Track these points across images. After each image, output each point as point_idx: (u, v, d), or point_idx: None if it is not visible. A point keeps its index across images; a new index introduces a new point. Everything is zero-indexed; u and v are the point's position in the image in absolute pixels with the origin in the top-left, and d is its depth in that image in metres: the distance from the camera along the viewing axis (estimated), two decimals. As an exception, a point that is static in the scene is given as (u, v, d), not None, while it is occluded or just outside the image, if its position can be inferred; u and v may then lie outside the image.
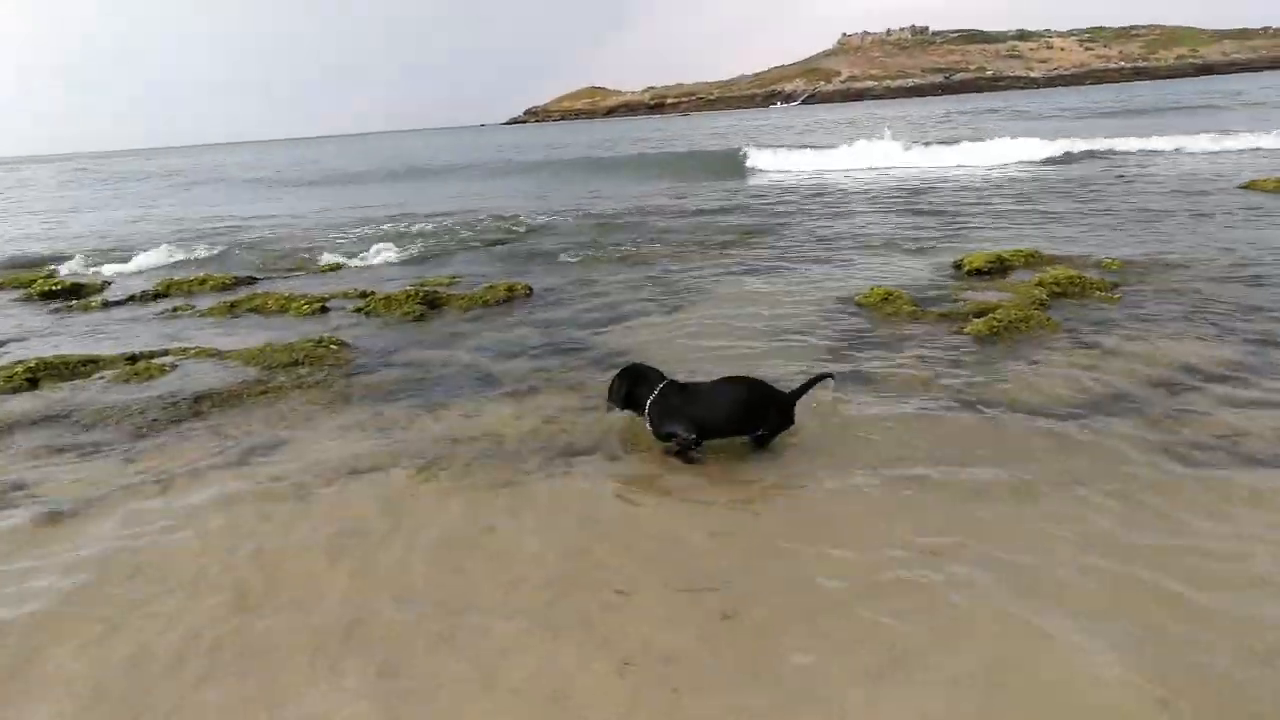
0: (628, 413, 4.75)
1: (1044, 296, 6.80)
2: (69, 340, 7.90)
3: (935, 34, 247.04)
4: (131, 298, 9.82)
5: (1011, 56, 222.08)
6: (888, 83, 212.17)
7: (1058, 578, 3.18)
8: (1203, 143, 19.05)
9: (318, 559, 3.66)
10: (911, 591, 3.15)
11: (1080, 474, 3.97)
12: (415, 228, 15.19)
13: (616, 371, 4.81)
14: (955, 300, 7.08)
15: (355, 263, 11.51)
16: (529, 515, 3.95)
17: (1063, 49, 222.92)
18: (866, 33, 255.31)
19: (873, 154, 22.80)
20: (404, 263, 11.52)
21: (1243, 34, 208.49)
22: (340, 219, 17.98)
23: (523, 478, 4.36)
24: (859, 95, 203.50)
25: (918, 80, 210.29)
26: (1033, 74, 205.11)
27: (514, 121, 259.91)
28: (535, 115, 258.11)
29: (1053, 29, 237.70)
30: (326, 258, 11.74)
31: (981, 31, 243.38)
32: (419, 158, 48.24)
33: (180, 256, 12.96)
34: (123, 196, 32.14)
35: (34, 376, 6.27)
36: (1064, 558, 3.31)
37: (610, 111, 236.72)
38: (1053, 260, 8.15)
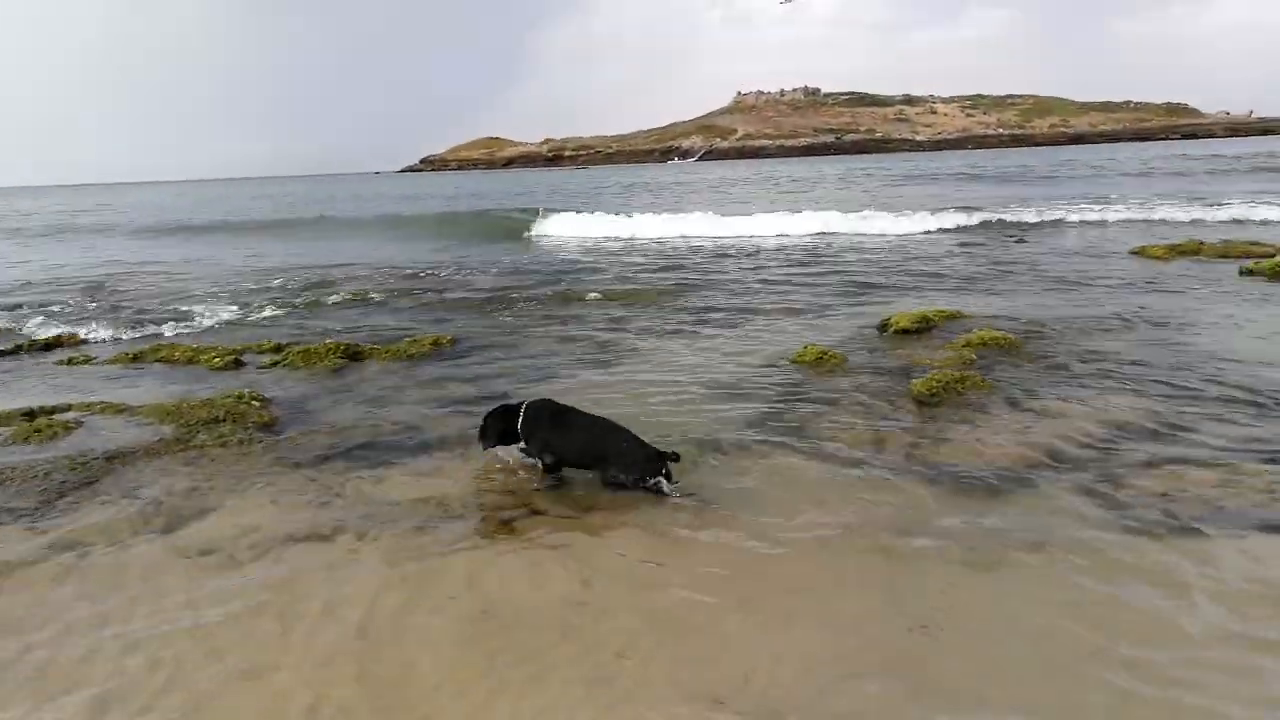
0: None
1: (973, 356, 6.99)
2: None
3: (827, 95, 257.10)
4: (19, 347, 9.16)
5: (899, 120, 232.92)
6: (781, 141, 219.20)
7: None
8: (1091, 212, 20.10)
9: (264, 641, 3.42)
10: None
11: (1029, 534, 4.04)
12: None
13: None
14: (887, 359, 7.21)
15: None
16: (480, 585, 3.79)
17: (946, 114, 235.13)
18: (761, 92, 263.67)
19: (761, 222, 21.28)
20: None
21: (1107, 106, 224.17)
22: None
23: (470, 545, 4.19)
24: (754, 153, 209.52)
25: (810, 140, 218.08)
26: (918, 137, 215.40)
27: (409, 169, 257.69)
28: (431, 164, 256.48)
29: (936, 95, 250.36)
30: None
31: (870, 95, 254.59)
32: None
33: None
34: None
35: None
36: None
37: (509, 163, 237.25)
38: (971, 319, 8.41)
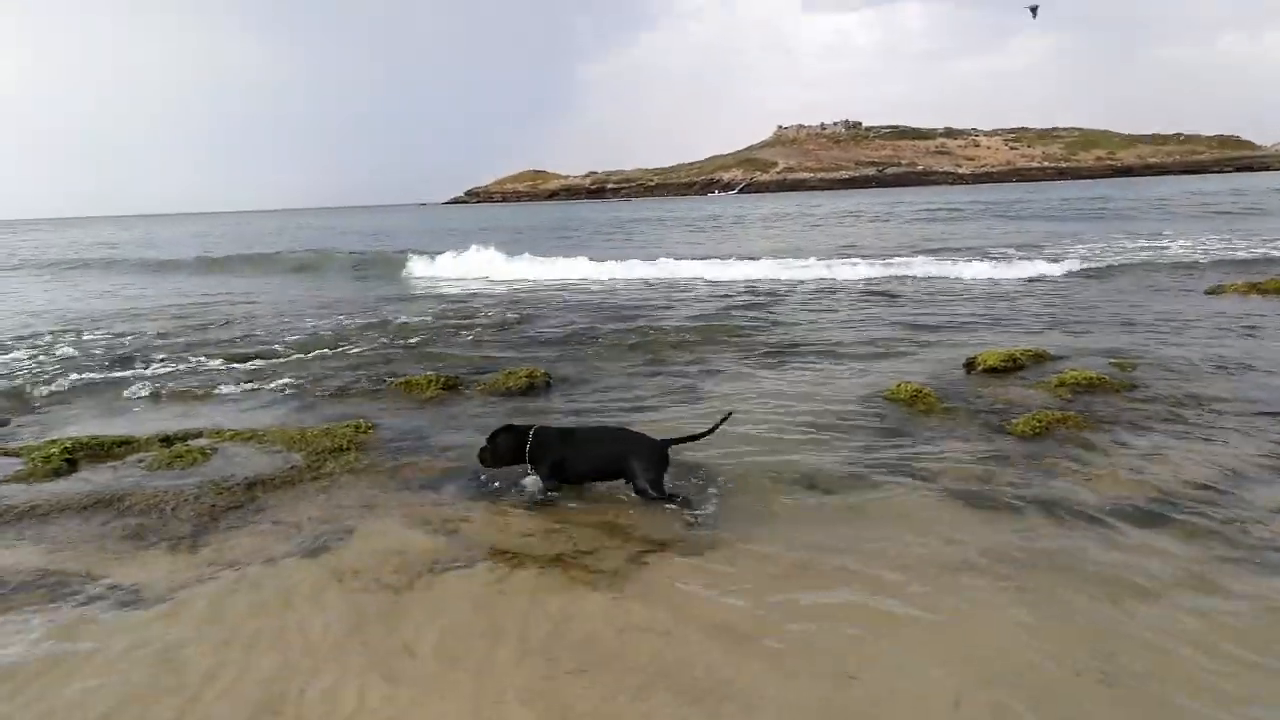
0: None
1: (1068, 396, 7.12)
2: (85, 416, 7.75)
3: (868, 129, 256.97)
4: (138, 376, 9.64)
5: (940, 153, 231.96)
6: (822, 174, 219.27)
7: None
8: (1156, 247, 19.88)
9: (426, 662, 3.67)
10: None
11: (1170, 570, 4.18)
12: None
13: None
14: (980, 398, 7.37)
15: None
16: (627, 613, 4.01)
17: (989, 147, 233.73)
18: (802, 126, 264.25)
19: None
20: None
21: (1155, 139, 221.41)
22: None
23: (606, 576, 4.41)
24: (795, 186, 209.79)
25: (851, 173, 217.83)
26: (961, 170, 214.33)
27: (455, 201, 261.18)
28: (476, 196, 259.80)
29: (979, 128, 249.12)
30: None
31: (912, 128, 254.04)
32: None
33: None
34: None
35: (72, 458, 6.15)
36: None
37: (552, 195, 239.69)
38: (1058, 359, 8.52)
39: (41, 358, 10.80)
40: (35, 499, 5.48)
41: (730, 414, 5.80)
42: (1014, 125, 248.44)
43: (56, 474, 5.93)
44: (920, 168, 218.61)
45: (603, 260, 21.82)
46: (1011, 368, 8.13)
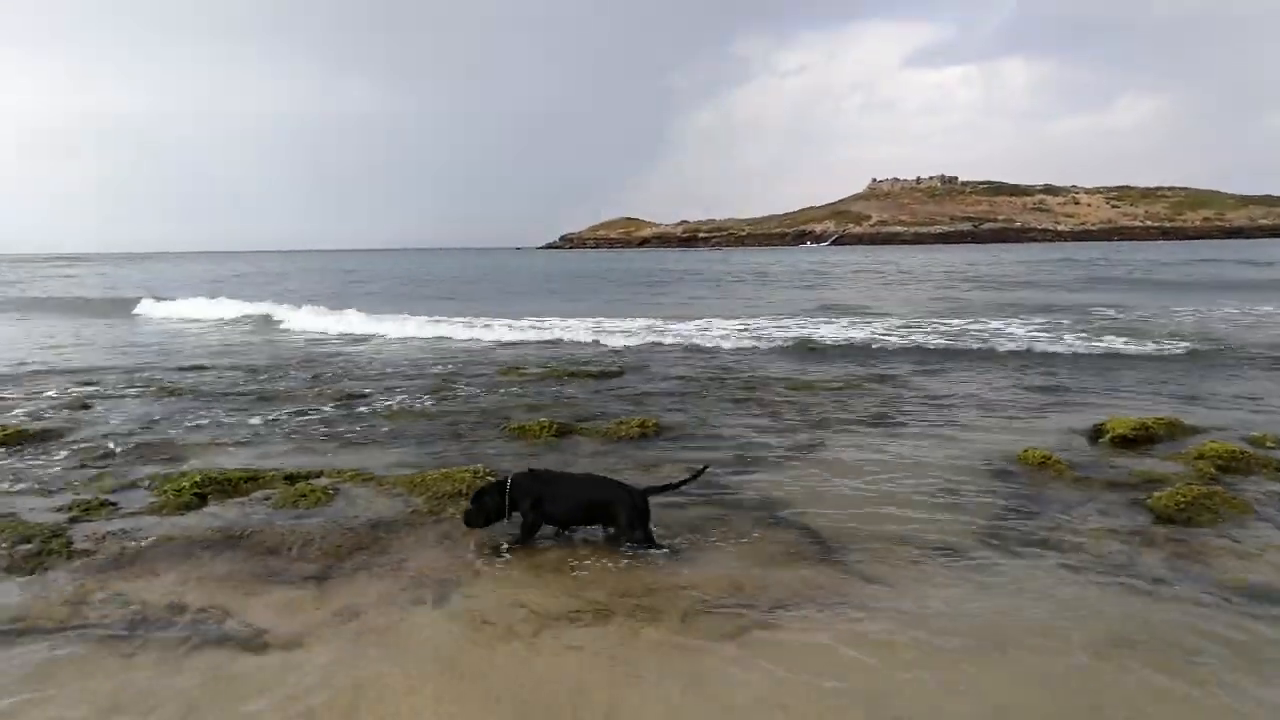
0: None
1: (1211, 470, 6.68)
2: (209, 448, 7.93)
3: (964, 184, 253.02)
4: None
5: (1039, 209, 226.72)
6: (916, 228, 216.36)
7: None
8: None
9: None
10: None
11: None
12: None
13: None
14: (1114, 468, 6.97)
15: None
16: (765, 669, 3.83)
17: (1090, 205, 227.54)
18: (896, 179, 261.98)
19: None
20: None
21: (1268, 200, 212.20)
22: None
23: (737, 634, 4.24)
24: (888, 239, 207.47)
25: (946, 228, 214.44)
26: (1060, 227, 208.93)
27: (549, 246, 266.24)
28: (570, 241, 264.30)
29: (1079, 185, 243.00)
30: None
31: (1009, 184, 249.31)
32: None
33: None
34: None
35: (202, 492, 6.27)
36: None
37: (644, 242, 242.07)
38: (1194, 431, 8.03)
39: (167, 383, 11.18)
40: (169, 532, 5.60)
41: (706, 467, 6.10)
42: (1117, 183, 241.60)
43: (187, 507, 6.06)
44: (1017, 224, 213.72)
45: (700, 316, 21.70)
46: (1144, 437, 7.69)
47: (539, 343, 16.87)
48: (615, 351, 14.80)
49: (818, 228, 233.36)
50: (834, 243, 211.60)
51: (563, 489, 5.57)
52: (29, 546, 5.32)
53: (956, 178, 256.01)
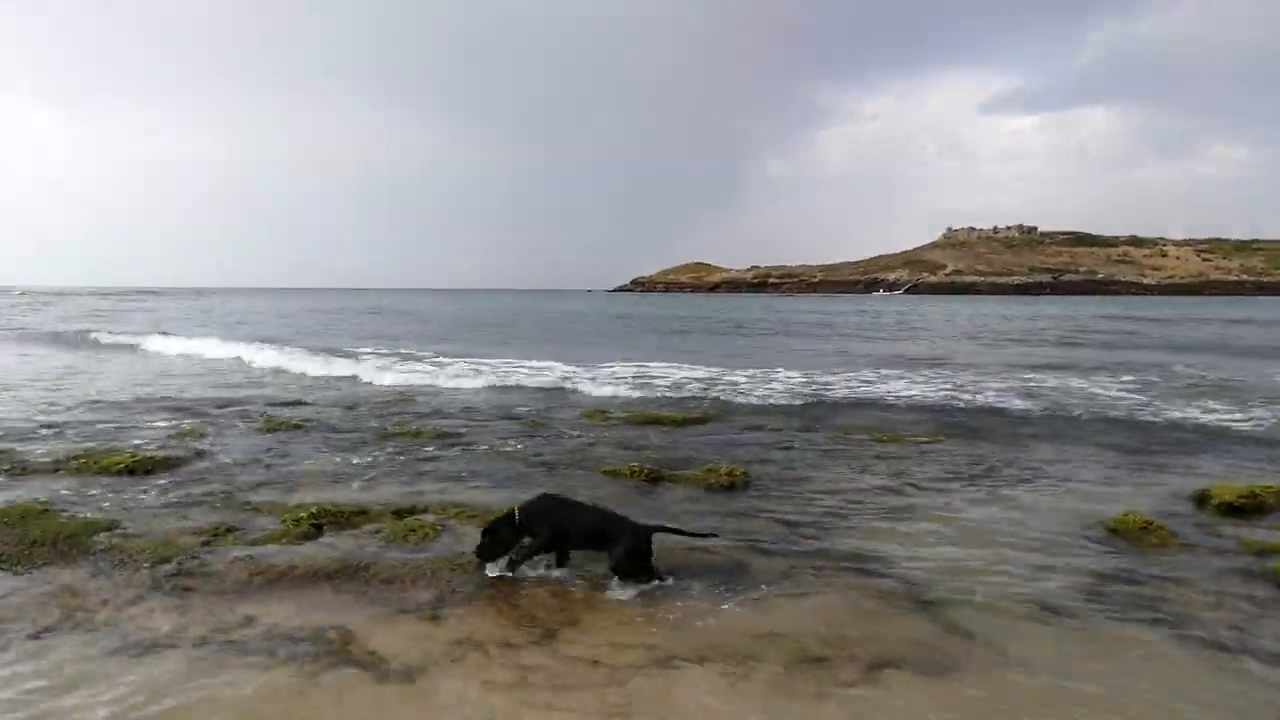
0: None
1: (1334, 542, 6.52)
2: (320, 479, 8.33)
3: (1044, 234, 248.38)
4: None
5: (1123, 261, 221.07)
6: (992, 279, 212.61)
7: None
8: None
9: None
10: None
11: None
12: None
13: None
14: (1222, 536, 6.87)
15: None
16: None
17: (1178, 257, 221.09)
18: (973, 228, 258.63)
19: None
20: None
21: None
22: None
23: (842, 689, 4.35)
24: (963, 289, 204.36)
25: (1024, 279, 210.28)
26: (1145, 280, 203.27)
27: (619, 289, 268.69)
28: (641, 285, 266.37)
29: (1166, 237, 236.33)
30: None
31: (1091, 235, 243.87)
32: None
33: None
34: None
35: (318, 523, 6.62)
36: None
37: (714, 287, 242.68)
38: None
39: (271, 416, 11.72)
40: (291, 560, 5.94)
41: (715, 534, 6.51)
42: (1208, 235, 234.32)
43: (306, 537, 6.41)
44: (1100, 276, 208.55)
45: (778, 365, 21.68)
46: (1252, 506, 7.49)
47: (621, 386, 17.13)
48: (697, 398, 14.95)
49: (890, 276, 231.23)
50: (907, 291, 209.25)
51: (575, 513, 5.87)
52: (168, 567, 5.71)
53: (1035, 228, 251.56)
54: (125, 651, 4.62)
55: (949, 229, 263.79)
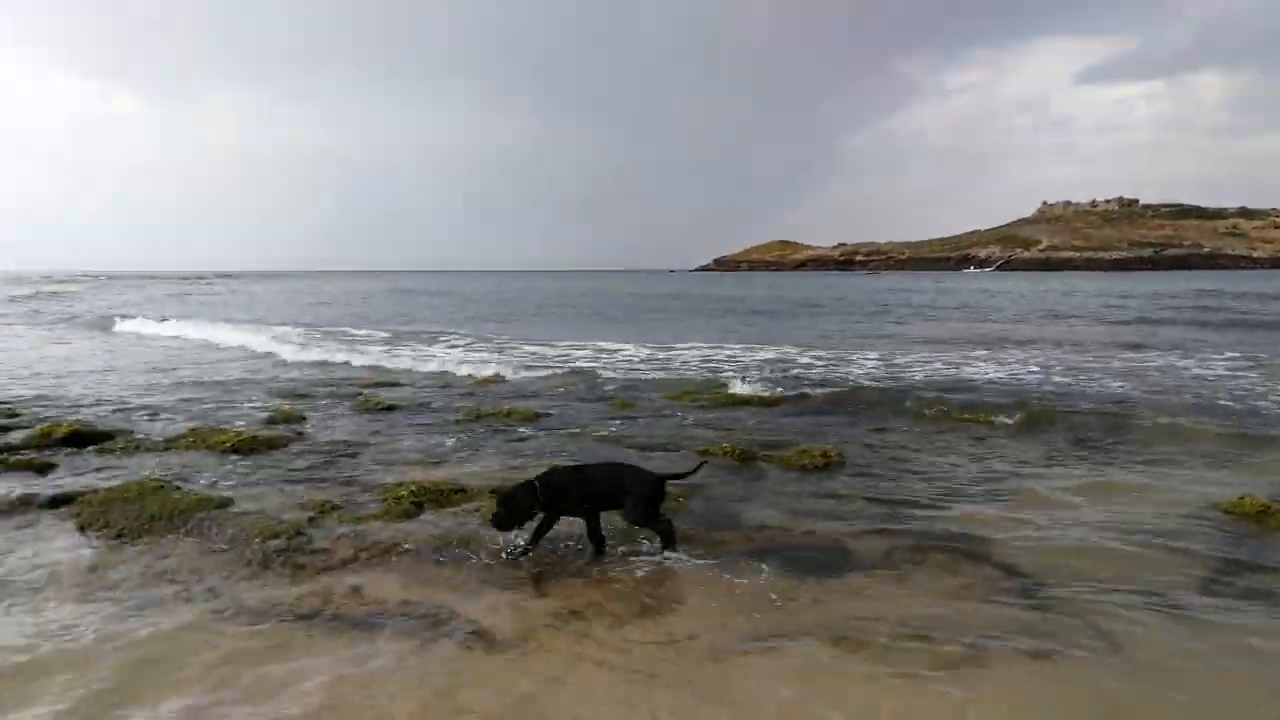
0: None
1: None
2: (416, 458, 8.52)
3: (1145, 207, 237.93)
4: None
5: (1232, 234, 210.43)
6: (1089, 254, 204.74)
7: None
8: None
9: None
10: None
11: None
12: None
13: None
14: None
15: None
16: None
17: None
18: (1069, 202, 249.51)
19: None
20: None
21: None
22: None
23: (947, 670, 4.23)
24: (1058, 265, 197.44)
25: (1123, 253, 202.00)
26: (1255, 254, 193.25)
27: (702, 269, 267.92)
28: (723, 265, 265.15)
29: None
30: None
31: (1198, 207, 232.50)
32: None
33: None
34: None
35: (418, 501, 6.76)
36: None
37: (800, 265, 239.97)
38: None
39: (366, 398, 12.03)
40: (394, 537, 6.08)
41: (705, 463, 6.73)
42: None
43: (407, 515, 6.55)
44: (1205, 249, 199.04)
45: (866, 346, 21.32)
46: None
47: (704, 366, 17.06)
48: (779, 379, 14.76)
49: (981, 252, 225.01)
50: (999, 268, 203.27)
51: (594, 475, 5.89)
52: (277, 542, 5.90)
53: (1136, 200, 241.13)
54: (238, 623, 4.80)
55: (1044, 203, 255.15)
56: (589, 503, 5.82)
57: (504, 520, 5.61)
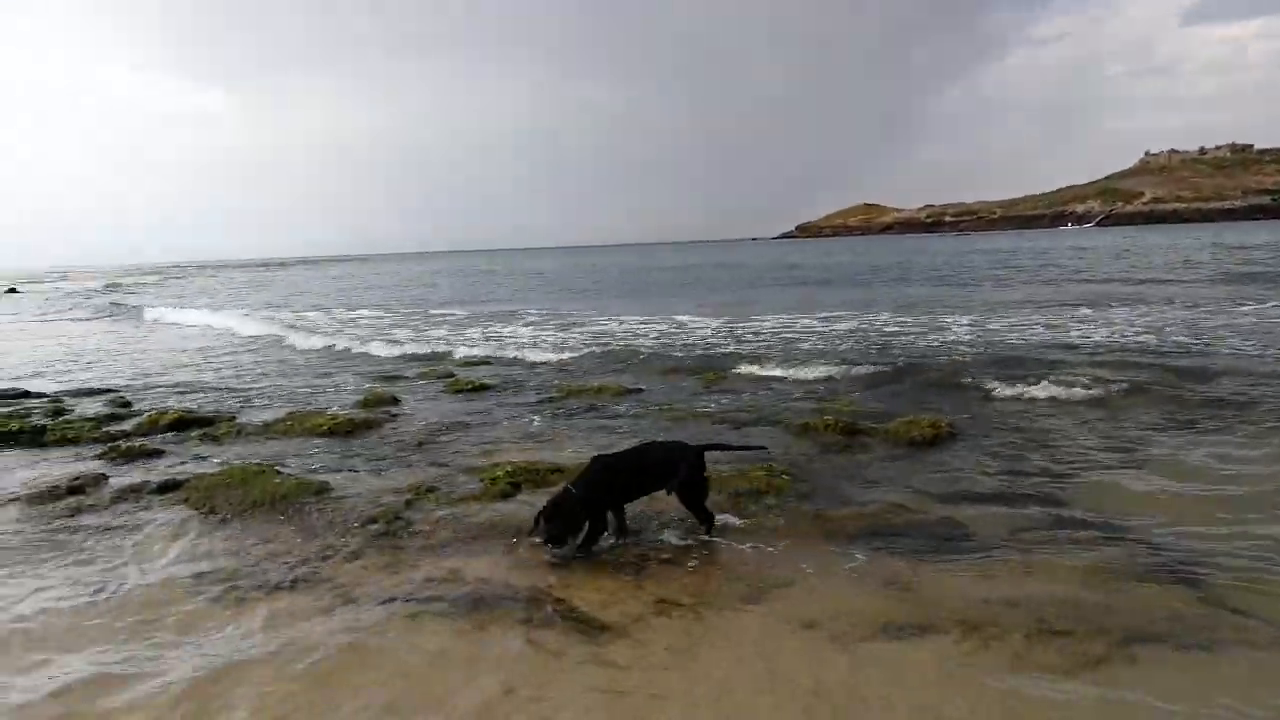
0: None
1: None
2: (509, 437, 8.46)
3: (1261, 152, 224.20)
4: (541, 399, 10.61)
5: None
6: (1199, 205, 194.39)
7: None
8: None
9: None
10: None
11: None
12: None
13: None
14: None
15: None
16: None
17: None
18: (1174, 151, 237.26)
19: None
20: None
21: None
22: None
23: (1090, 665, 3.88)
24: (1164, 218, 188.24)
25: (1236, 202, 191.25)
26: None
27: (784, 236, 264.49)
28: (806, 231, 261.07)
29: None
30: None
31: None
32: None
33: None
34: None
35: (515, 482, 6.65)
36: None
37: (886, 229, 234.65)
38: None
39: (457, 378, 12.05)
40: (492, 518, 5.99)
41: (764, 447, 7.00)
42: None
43: (504, 496, 6.44)
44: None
45: (964, 310, 20.54)
46: None
47: (789, 339, 16.64)
48: (879, 349, 14.26)
49: (1080, 208, 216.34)
50: (1099, 224, 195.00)
51: (639, 459, 5.61)
52: (376, 526, 5.87)
53: (1251, 145, 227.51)
54: (341, 604, 4.74)
55: (1147, 153, 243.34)
56: (643, 489, 5.62)
57: (558, 536, 5.24)
